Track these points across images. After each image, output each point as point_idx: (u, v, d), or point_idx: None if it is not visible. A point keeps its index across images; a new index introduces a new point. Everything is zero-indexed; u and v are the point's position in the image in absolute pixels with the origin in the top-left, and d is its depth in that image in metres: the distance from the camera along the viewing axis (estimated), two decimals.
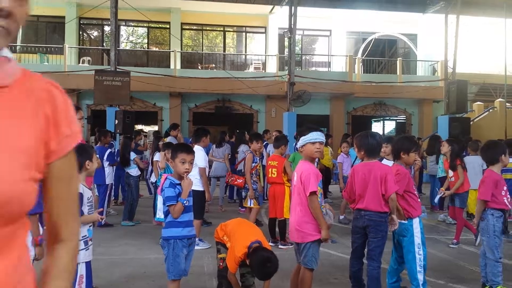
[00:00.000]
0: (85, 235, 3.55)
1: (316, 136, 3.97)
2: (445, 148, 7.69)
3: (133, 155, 8.54)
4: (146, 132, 18.72)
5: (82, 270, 3.53)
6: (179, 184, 3.74)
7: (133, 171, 8.40)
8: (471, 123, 17.28)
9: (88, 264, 3.60)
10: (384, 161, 5.72)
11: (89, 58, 19.14)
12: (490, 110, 19.86)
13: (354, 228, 4.40)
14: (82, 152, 3.64)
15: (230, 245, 3.88)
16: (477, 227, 4.72)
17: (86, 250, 3.55)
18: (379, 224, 4.17)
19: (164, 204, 3.78)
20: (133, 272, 5.30)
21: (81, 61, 19.13)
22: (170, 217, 3.74)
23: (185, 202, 3.72)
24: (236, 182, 7.70)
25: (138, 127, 20.09)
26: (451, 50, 16.57)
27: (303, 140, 4.03)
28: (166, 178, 3.80)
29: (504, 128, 17.95)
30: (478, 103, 20.78)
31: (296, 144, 3.92)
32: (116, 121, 13.75)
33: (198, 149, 6.84)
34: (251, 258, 3.71)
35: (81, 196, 3.51)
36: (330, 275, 4.98)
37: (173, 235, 3.73)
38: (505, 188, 4.66)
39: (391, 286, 4.57)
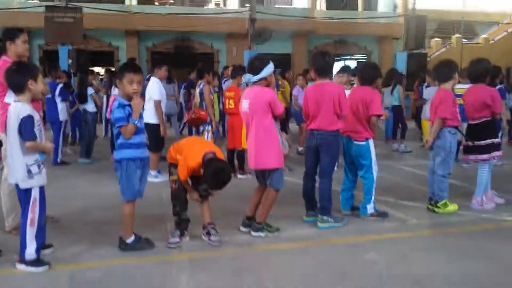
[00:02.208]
0: (37, 159, 3.44)
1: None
2: None
3: (90, 91, 8.27)
4: (102, 75, 18.14)
5: (36, 193, 3.47)
6: (129, 105, 3.62)
7: (90, 106, 8.16)
8: (428, 59, 17.56)
9: (42, 189, 3.53)
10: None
11: None
12: (447, 46, 20.16)
13: (307, 148, 4.48)
14: (24, 70, 3.44)
15: (182, 157, 3.84)
16: (430, 146, 4.84)
17: (39, 173, 3.46)
18: (331, 142, 4.25)
19: (114, 125, 3.68)
20: (89, 205, 5.27)
21: None
22: (122, 138, 3.65)
23: (136, 122, 3.62)
24: (200, 115, 7.35)
25: (94, 69, 19.42)
26: None
27: (267, 71, 3.97)
28: (114, 99, 3.66)
29: (460, 63, 18.32)
30: (436, 39, 21.02)
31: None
32: (70, 61, 13.15)
33: (154, 81, 6.66)
34: (205, 168, 3.70)
35: (31, 118, 3.35)
36: (286, 198, 5.08)
37: (125, 156, 3.66)
38: None
39: (345, 201, 4.74)
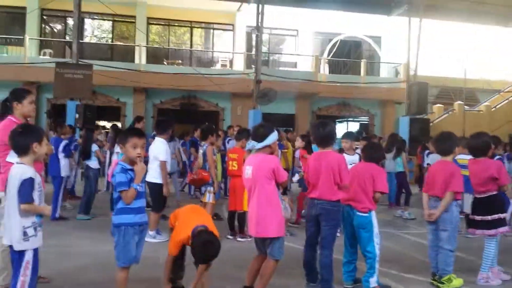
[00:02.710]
0: (34, 221, 3.41)
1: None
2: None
3: (94, 147, 8.34)
4: (108, 129, 18.35)
5: (29, 256, 3.40)
6: (131, 170, 3.63)
7: (93, 163, 8.21)
8: (431, 124, 17.77)
9: (35, 251, 3.46)
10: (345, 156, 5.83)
11: (50, 50, 18.59)
12: (449, 112, 20.46)
13: (308, 216, 4.43)
14: (29, 133, 3.47)
15: (175, 229, 3.80)
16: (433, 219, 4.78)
17: (34, 236, 3.41)
18: (331, 212, 4.21)
19: (115, 190, 3.66)
20: (85, 264, 5.17)
21: (42, 53, 18.56)
22: (122, 203, 3.63)
23: (138, 187, 3.61)
24: (202, 176, 7.32)
25: (100, 123, 19.68)
26: (414, 53, 16.98)
27: (272, 139, 4.03)
28: (117, 163, 3.68)
29: (462, 130, 18.51)
30: (438, 105, 21.37)
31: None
32: (77, 115, 13.36)
33: (160, 142, 6.70)
34: (193, 241, 3.63)
35: (31, 180, 3.34)
36: (287, 267, 4.96)
37: (124, 221, 3.63)
38: None
39: (347, 274, 4.63)
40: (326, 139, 4.36)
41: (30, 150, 3.43)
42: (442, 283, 4.61)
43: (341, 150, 6.84)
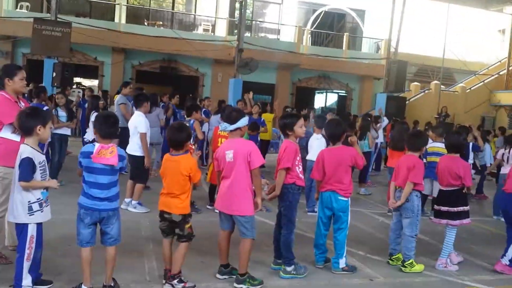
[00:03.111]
0: (39, 198, 3.63)
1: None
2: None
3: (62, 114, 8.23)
4: (85, 86, 18.14)
5: (33, 231, 3.64)
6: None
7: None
8: (407, 102, 18.20)
9: (39, 226, 3.69)
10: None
11: (27, 3, 17.99)
12: (426, 91, 20.93)
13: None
14: (34, 116, 3.65)
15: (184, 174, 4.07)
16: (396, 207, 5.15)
17: (40, 211, 3.64)
18: (284, 194, 4.61)
19: (122, 171, 3.91)
20: (68, 233, 5.30)
21: (19, 6, 17.97)
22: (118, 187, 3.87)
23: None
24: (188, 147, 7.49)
25: (77, 80, 19.41)
26: (396, 29, 17.16)
27: (242, 122, 4.37)
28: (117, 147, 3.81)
29: (437, 109, 19.05)
30: (415, 83, 21.81)
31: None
32: (54, 74, 13.23)
33: (138, 115, 6.88)
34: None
35: (30, 160, 3.52)
36: (262, 243, 5.27)
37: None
38: None
39: (319, 256, 4.97)
40: (338, 135, 4.88)
41: (34, 132, 3.61)
42: (405, 266, 5.01)
43: None
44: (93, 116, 8.36)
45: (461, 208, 5.17)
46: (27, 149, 3.58)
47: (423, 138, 5.34)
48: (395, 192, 5.21)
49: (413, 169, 4.94)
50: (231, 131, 4.39)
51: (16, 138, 3.98)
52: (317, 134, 7.52)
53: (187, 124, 7.07)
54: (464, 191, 5.21)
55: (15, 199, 3.60)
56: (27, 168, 3.51)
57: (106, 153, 3.76)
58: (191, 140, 6.94)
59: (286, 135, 4.75)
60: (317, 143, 7.32)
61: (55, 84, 12.98)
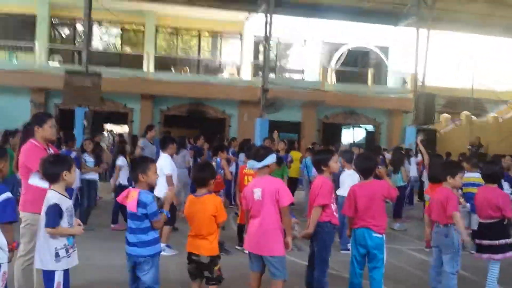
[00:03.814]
0: (65, 244, 3.61)
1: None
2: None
3: (90, 160, 8.42)
4: (113, 132, 18.60)
5: (59, 277, 3.60)
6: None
7: (89, 174, 8.26)
8: (438, 134, 17.84)
9: (66, 272, 3.66)
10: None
11: (59, 57, 18.79)
12: (456, 123, 20.49)
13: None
14: (59, 163, 3.69)
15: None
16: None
17: (66, 257, 3.62)
18: (318, 232, 4.43)
19: (142, 219, 3.77)
20: (95, 278, 5.28)
21: (51, 59, 18.77)
22: (155, 232, 3.80)
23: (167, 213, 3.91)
24: (220, 182, 7.49)
25: (108, 127, 19.91)
26: (421, 63, 17.05)
27: (270, 159, 4.30)
28: (140, 192, 3.76)
29: (468, 140, 18.56)
30: (445, 114, 21.40)
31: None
32: (85, 122, 13.61)
33: (164, 157, 6.93)
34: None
35: (56, 207, 3.53)
36: (294, 284, 5.07)
37: (158, 250, 3.88)
38: None
39: None
40: (369, 170, 4.74)
41: (60, 178, 3.63)
42: None
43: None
44: (119, 160, 8.49)
45: (503, 241, 4.88)
46: (54, 195, 3.59)
47: (456, 165, 5.17)
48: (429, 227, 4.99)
49: (448, 201, 4.72)
50: (259, 168, 4.31)
51: (44, 185, 4.01)
52: (349, 170, 7.33)
53: (214, 163, 7.12)
54: (505, 223, 4.92)
55: (42, 246, 3.59)
56: (54, 214, 3.52)
57: (129, 197, 3.78)
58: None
59: (321, 171, 4.63)
60: (350, 179, 7.10)
61: (86, 131, 13.32)
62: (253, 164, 4.31)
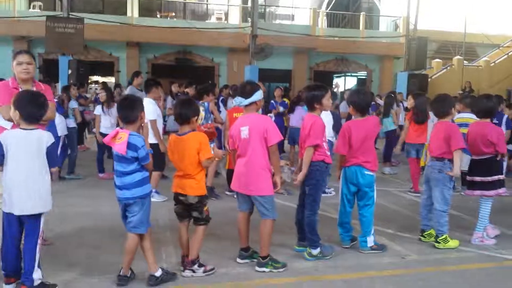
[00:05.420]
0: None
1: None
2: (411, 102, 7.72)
3: (73, 105, 8.26)
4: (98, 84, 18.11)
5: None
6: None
7: (70, 122, 8.07)
8: (429, 79, 17.66)
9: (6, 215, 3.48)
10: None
11: (40, 3, 18.05)
12: (448, 68, 20.27)
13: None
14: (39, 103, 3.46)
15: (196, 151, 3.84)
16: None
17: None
18: (311, 172, 4.29)
19: (141, 162, 3.59)
20: (85, 226, 5.21)
21: (31, 6, 18.04)
22: (144, 172, 3.65)
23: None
24: (214, 130, 7.21)
25: (93, 78, 19.42)
26: (414, 6, 16.61)
27: (258, 95, 4.10)
28: (130, 134, 3.52)
29: (460, 85, 18.44)
30: (437, 60, 21.15)
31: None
32: (70, 71, 13.21)
33: (147, 102, 6.60)
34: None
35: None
36: (284, 225, 5.05)
37: (149, 191, 3.72)
38: None
39: (345, 235, 4.69)
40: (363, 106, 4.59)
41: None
42: (438, 242, 4.70)
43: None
44: (96, 109, 8.25)
45: (495, 177, 4.79)
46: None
47: (449, 100, 4.92)
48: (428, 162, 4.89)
49: (453, 135, 4.60)
50: (246, 106, 4.11)
51: (6, 125, 3.78)
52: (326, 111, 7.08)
53: (202, 109, 6.87)
54: (497, 159, 4.83)
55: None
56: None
57: (116, 139, 3.55)
58: (202, 120, 6.74)
59: (313, 108, 4.40)
60: (326, 120, 6.86)
61: (71, 81, 12.93)
62: (240, 100, 4.11)
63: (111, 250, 4.35)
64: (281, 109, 10.06)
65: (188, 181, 3.82)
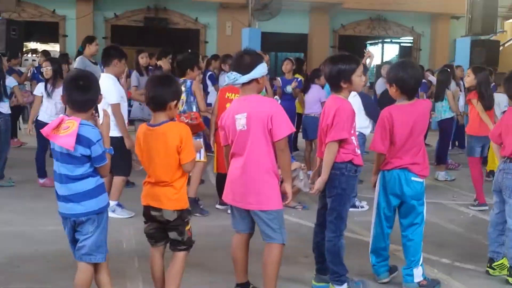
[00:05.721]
0: None
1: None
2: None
3: (11, 82, 8.44)
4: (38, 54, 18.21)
5: None
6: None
7: (5, 106, 8.10)
8: (501, 48, 17.69)
9: None
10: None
11: None
12: None
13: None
14: None
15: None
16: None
17: None
18: (334, 178, 4.28)
19: (95, 164, 3.63)
20: (20, 252, 5.27)
21: None
22: (100, 179, 3.69)
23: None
24: (200, 122, 7.21)
25: (30, 45, 19.54)
26: None
27: (261, 70, 4.05)
28: (81, 124, 3.52)
29: None
30: (511, 21, 21.20)
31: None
32: None
33: (107, 78, 6.59)
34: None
35: None
36: (298, 253, 5.12)
37: (106, 204, 3.77)
38: None
39: (380, 266, 4.74)
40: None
41: None
42: (494, 268, 4.85)
43: None
44: (37, 89, 8.35)
45: None
46: None
47: None
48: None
49: None
50: (243, 84, 4.07)
51: None
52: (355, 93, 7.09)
53: (183, 88, 6.89)
54: None
55: None
56: None
57: (61, 129, 3.53)
58: (183, 105, 6.78)
59: (338, 88, 4.36)
60: (356, 106, 6.79)
61: None
62: (234, 77, 4.02)
63: (55, 286, 4.39)
64: (289, 89, 10.02)
65: (164, 190, 3.83)
